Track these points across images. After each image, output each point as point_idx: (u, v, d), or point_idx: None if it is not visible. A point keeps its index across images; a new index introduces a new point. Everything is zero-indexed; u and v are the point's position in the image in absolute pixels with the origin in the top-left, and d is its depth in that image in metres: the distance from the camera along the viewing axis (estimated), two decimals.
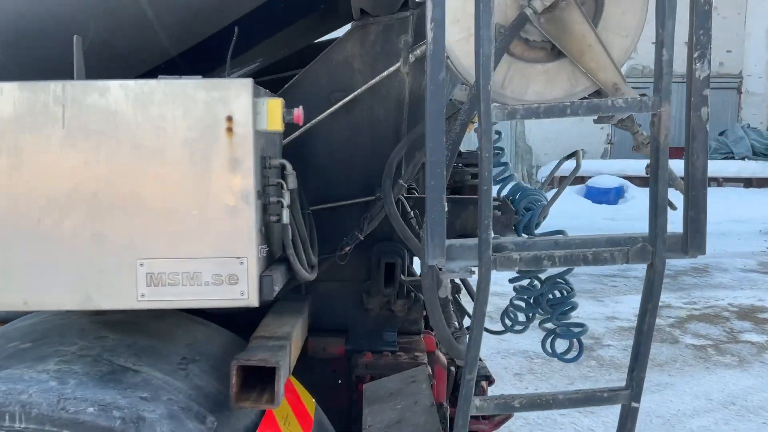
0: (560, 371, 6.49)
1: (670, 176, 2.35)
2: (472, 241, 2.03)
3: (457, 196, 3.13)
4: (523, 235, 2.40)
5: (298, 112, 2.07)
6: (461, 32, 2.28)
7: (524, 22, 2.16)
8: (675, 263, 11.44)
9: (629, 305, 8.65)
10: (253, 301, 2.05)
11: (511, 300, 2.42)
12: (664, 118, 1.93)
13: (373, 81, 2.71)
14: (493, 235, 2.44)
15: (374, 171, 2.84)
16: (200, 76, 2.03)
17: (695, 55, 1.98)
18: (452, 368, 3.33)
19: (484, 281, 1.98)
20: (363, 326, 3.11)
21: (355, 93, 2.73)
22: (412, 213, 2.97)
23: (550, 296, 2.33)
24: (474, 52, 2.19)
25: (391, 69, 2.67)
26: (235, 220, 2.01)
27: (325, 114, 2.74)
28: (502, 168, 2.69)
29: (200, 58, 2.99)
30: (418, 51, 2.65)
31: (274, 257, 2.34)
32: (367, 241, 2.93)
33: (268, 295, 2.07)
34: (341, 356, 3.08)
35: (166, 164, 2.00)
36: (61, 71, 2.34)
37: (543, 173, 18.00)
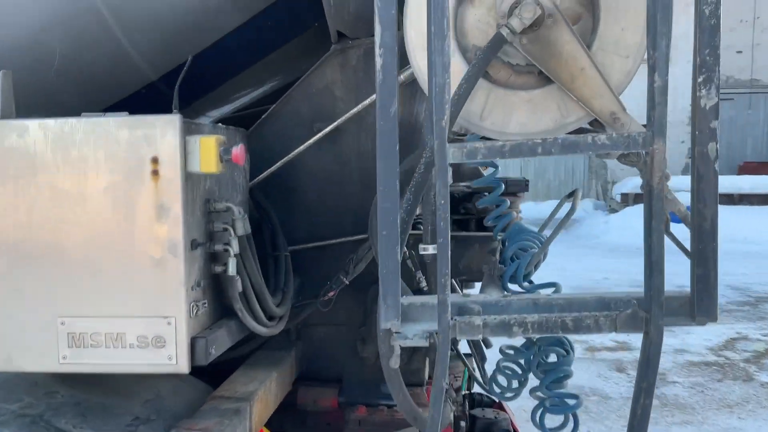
0: (617, 410, 5.99)
1: (683, 215, 2.00)
2: (434, 300, 1.73)
3: (462, 233, 2.82)
4: (510, 287, 2.07)
5: (237, 151, 1.83)
6: None
7: (501, 44, 1.85)
8: (757, 286, 10.64)
9: (702, 337, 7.98)
10: (183, 367, 1.81)
11: (497, 363, 2.09)
12: (657, 157, 1.59)
13: (356, 109, 2.45)
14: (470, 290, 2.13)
15: (365, 206, 2.57)
16: (126, 113, 1.82)
17: (700, 80, 1.63)
18: (462, 423, 3.00)
19: (443, 350, 1.67)
20: (358, 376, 2.83)
21: (337, 122, 2.48)
22: (408, 253, 2.68)
23: (542, 359, 2.00)
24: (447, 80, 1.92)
25: (375, 95, 2.39)
26: (162, 275, 1.78)
27: (305, 146, 2.49)
28: (499, 206, 2.36)
29: (185, 83, 2.80)
30: (402, 76, 2.38)
31: (231, 310, 2.10)
32: (363, 282, 2.66)
33: (202, 360, 1.83)
34: (334, 409, 2.81)
35: (88, 212, 1.80)
36: (28, 96, 2.20)
37: (618, 189, 17.22)
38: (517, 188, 3.72)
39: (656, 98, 1.58)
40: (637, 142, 1.60)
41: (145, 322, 1.80)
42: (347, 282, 2.55)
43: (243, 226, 1.99)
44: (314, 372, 2.84)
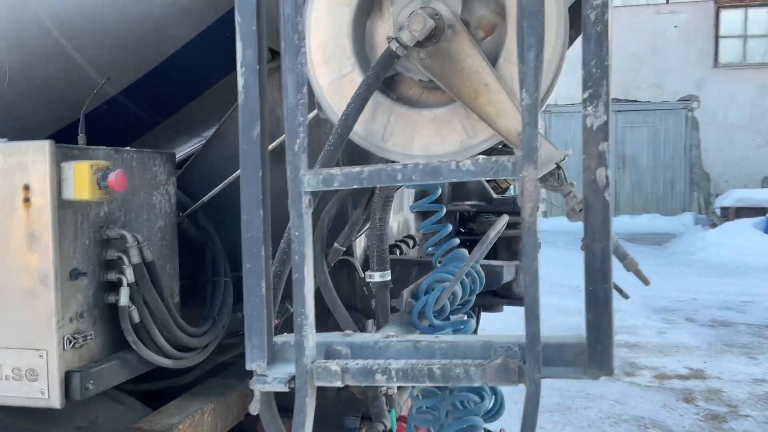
0: None
1: (616, 248, 1.75)
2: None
3: (425, 260, 2.64)
4: (429, 321, 1.89)
5: (114, 177, 1.75)
6: (332, 73, 1.85)
7: (392, 60, 1.69)
8: None
9: None
10: (55, 401, 1.74)
11: (410, 410, 1.91)
12: (527, 185, 1.38)
13: None
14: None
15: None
16: (6, 139, 1.78)
17: (585, 96, 1.41)
18: None
19: (300, 399, 1.53)
20: (320, 408, 2.68)
21: (278, 141, 2.36)
22: (363, 280, 2.53)
23: (456, 404, 1.80)
24: (344, 96, 1.78)
25: (311, 115, 2.26)
26: (33, 306, 1.73)
27: None
28: (439, 230, 2.17)
29: (150, 96, 2.76)
30: None
31: None
32: (326, 309, 2.53)
33: (77, 395, 1.76)
34: None
35: None
36: None
37: (720, 202, 16.14)
38: None
39: (525, 118, 1.37)
40: (506, 168, 1.40)
41: (18, 354, 1.75)
42: (292, 310, 2.42)
43: (140, 254, 1.91)
44: (276, 402, 2.73)
